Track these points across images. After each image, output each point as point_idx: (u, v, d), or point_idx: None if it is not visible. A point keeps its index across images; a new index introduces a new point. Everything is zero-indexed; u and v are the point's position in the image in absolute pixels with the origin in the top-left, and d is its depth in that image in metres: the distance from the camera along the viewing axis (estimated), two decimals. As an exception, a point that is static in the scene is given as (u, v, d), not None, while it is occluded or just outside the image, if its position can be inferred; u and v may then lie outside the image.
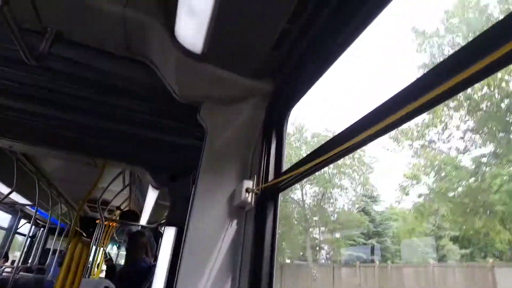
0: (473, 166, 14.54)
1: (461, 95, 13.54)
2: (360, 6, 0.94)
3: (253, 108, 1.52)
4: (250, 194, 1.35)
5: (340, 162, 22.38)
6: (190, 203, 1.45)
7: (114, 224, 6.75)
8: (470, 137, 15.21)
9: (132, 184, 4.36)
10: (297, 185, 23.30)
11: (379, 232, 24.59)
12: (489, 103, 13.35)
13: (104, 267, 7.04)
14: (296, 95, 1.33)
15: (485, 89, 13.05)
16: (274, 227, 1.26)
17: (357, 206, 25.26)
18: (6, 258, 7.12)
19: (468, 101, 13.81)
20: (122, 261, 9.38)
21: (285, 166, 1.38)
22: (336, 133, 0.96)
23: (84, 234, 6.84)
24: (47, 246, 7.37)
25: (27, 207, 5.71)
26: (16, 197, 4.86)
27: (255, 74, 1.40)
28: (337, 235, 24.14)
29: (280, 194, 1.34)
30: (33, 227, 7.55)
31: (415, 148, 17.40)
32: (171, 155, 2.26)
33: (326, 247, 25.23)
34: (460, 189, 14.90)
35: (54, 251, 6.76)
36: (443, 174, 15.61)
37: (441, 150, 16.65)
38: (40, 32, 1.29)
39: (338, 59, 1.07)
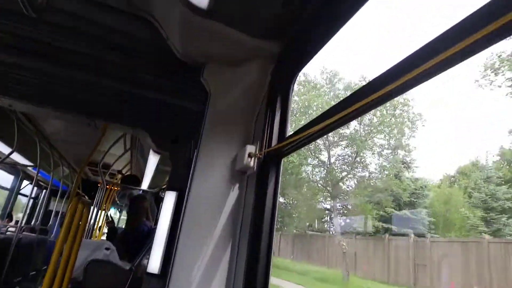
0: None
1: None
2: None
3: (259, 71, 1.47)
4: (253, 158, 1.33)
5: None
6: (191, 167, 1.44)
7: (115, 188, 6.86)
8: None
9: (133, 149, 4.38)
10: (323, 147, 20.64)
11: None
12: None
13: (105, 229, 7.24)
14: (305, 57, 1.26)
15: None
16: (276, 192, 1.25)
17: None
18: (10, 218, 7.30)
19: None
20: (123, 225, 9.61)
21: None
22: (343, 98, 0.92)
23: (86, 196, 6.98)
24: (50, 208, 7.52)
25: (29, 168, 5.76)
26: (18, 158, 4.90)
27: (263, 34, 1.33)
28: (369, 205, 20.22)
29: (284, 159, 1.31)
30: (36, 188, 7.66)
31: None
32: (173, 118, 2.23)
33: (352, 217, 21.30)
34: None
35: (57, 213, 6.93)
36: None
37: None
38: None
39: (352, 17, 0.99)
